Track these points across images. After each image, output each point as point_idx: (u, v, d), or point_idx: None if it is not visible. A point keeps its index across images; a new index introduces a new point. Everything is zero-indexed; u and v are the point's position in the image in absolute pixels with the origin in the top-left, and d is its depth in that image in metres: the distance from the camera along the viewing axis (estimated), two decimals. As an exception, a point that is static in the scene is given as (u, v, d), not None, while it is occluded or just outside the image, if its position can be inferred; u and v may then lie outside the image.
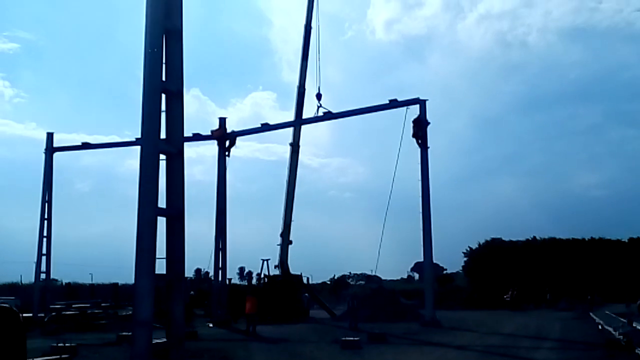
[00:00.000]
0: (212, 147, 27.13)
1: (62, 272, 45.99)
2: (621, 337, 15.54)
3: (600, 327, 20.20)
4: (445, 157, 73.26)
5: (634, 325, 18.84)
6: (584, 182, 77.57)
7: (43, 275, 28.90)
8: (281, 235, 28.51)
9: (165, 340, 8.72)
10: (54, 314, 24.69)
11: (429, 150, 22.67)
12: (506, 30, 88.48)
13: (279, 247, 28.60)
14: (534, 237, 44.56)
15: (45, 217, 29.06)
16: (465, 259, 46.32)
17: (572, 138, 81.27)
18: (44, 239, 28.81)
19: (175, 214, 8.95)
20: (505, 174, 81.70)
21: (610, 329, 18.55)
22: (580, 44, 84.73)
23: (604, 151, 78.52)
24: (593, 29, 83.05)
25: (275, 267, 29.16)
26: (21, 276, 39.35)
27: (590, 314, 27.11)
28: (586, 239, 43.17)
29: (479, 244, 45.55)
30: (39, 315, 24.98)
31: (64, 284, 46.10)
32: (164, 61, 9.03)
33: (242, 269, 54.93)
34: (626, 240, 42.97)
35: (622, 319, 21.53)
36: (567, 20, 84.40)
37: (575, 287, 38.41)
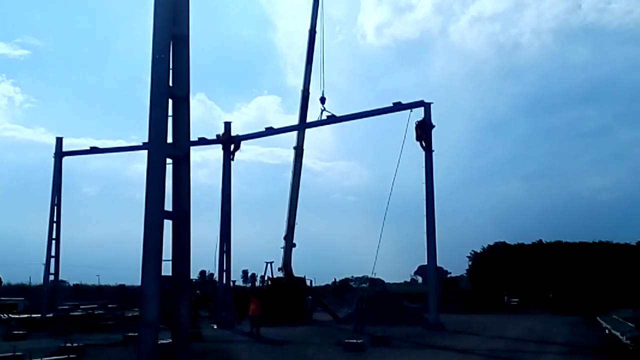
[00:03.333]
0: (217, 151, 27.39)
1: (70, 273, 46.50)
2: (628, 342, 15.40)
3: (607, 331, 20.00)
4: (448, 160, 73.15)
5: None
6: (592, 185, 76.82)
7: (52, 277, 29.29)
8: (285, 238, 28.60)
9: (170, 341, 8.83)
10: (61, 314, 24.95)
11: (433, 153, 22.69)
12: (515, 31, 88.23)
13: (282, 250, 28.72)
14: (540, 240, 44.19)
15: (54, 220, 29.48)
16: (469, 262, 46.05)
17: (581, 140, 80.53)
18: (53, 242, 29.23)
19: (181, 217, 9.07)
20: (511, 177, 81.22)
21: (617, 333, 18.37)
22: (589, 44, 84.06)
23: (613, 153, 77.63)
24: (602, 30, 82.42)
25: (279, 269, 29.27)
26: (30, 277, 39.86)
27: (598, 318, 26.85)
28: (594, 242, 42.70)
29: (484, 248, 45.28)
30: (47, 315, 25.26)
31: (72, 285, 46.58)
32: (170, 67, 9.18)
33: (246, 272, 55.09)
34: (634, 244, 42.47)
35: (629, 324, 21.30)
36: (574, 21, 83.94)
37: (582, 291, 38.02)
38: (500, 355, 15.03)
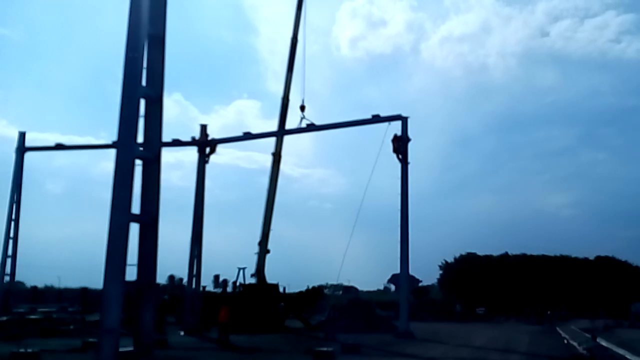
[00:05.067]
0: (192, 152, 26.94)
1: (29, 275, 44.22)
2: (585, 351, 16.07)
3: (565, 341, 20.82)
4: (421, 171, 74.82)
5: (597, 340, 19.52)
6: (554, 201, 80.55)
7: (7, 278, 27.86)
8: (259, 244, 28.33)
9: (133, 348, 8.56)
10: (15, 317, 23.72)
11: (408, 165, 23.18)
12: (483, 52, 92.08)
13: (256, 255, 28.40)
14: (507, 252, 45.72)
15: (13, 217, 28.13)
16: (440, 272, 47.02)
17: (545, 159, 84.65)
18: (10, 241, 27.85)
19: (149, 220, 8.88)
20: (480, 190, 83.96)
21: (575, 343, 19.15)
22: (557, 70, 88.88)
23: (575, 172, 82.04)
24: (569, 56, 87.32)
25: (252, 275, 28.90)
26: (-16, 278, 37.57)
27: (557, 328, 27.90)
28: (556, 256, 44.57)
29: (455, 258, 46.38)
30: (0, 319, 23.92)
31: (29, 287, 44.35)
32: (144, 66, 9.03)
33: (217, 277, 54.02)
34: (593, 259, 44.59)
35: (586, 334, 22.27)
36: (544, 47, 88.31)
37: (544, 302, 39.51)
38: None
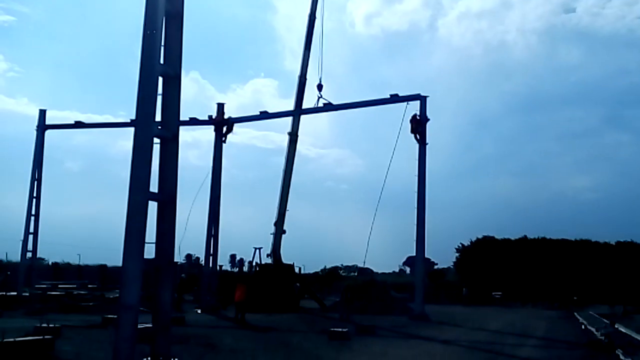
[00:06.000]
0: (209, 131, 26.99)
1: (50, 251, 45.92)
2: (603, 337, 15.88)
3: (583, 327, 20.62)
4: (439, 153, 73.83)
5: (615, 326, 19.26)
6: (577, 185, 78.69)
7: (29, 254, 28.82)
8: (275, 224, 28.55)
9: (151, 325, 8.76)
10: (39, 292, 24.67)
11: (427, 146, 22.78)
12: (504, 29, 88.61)
13: (272, 236, 28.67)
14: (525, 236, 45.05)
15: (34, 195, 28.90)
16: (457, 255, 46.80)
17: (567, 140, 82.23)
18: (32, 218, 28.69)
19: (167, 199, 8.93)
20: (499, 173, 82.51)
21: (593, 329, 18.95)
22: (583, 47, 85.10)
23: (598, 155, 79.63)
24: (595, 34, 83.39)
25: (268, 255, 29.27)
26: (6, 254, 39.20)
27: (575, 314, 27.63)
28: (575, 240, 43.75)
29: (471, 241, 46.00)
30: (23, 294, 24.95)
31: (50, 263, 45.98)
32: (162, 44, 8.90)
33: (233, 256, 55.12)
34: (614, 244, 43.63)
35: (605, 320, 21.99)
36: (570, 24, 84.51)
37: (562, 287, 39.03)
38: (481, 347, 15.35)
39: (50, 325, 12.93)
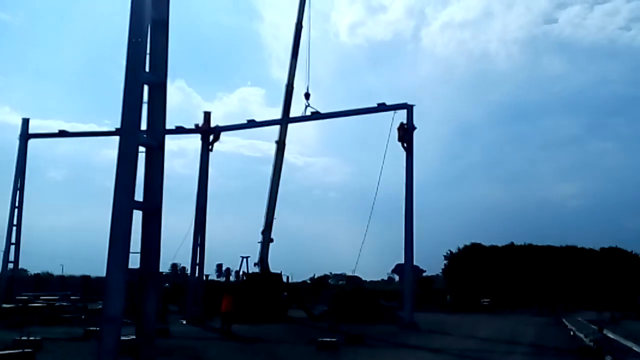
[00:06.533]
0: (195, 140, 26.93)
1: (32, 262, 44.83)
2: (592, 343, 16.09)
3: (572, 333, 20.86)
4: (425, 161, 74.60)
5: (604, 332, 19.54)
6: (562, 192, 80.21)
7: (11, 265, 28.16)
8: (262, 232, 28.41)
9: (134, 337, 8.60)
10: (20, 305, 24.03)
11: (414, 154, 23.05)
12: (486, 38, 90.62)
13: (259, 244, 28.52)
14: (512, 242, 45.66)
15: (16, 205, 28.30)
16: (445, 262, 47.10)
17: (552, 148, 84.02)
18: (14, 228, 28.07)
19: (152, 208, 8.83)
20: (485, 181, 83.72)
21: (581, 335, 19.18)
22: (565, 57, 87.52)
23: (582, 162, 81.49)
24: (577, 44, 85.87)
25: (255, 265, 29.06)
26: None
27: (563, 320, 27.97)
28: (562, 247, 44.47)
29: (459, 249, 46.39)
30: (3, 306, 24.25)
31: (32, 274, 44.87)
32: (147, 52, 8.88)
33: (220, 266, 54.54)
34: (598, 250, 44.48)
35: (593, 326, 22.31)
36: (551, 34, 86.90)
37: (550, 294, 39.55)
38: (471, 355, 15.41)
39: (31, 338, 12.58)
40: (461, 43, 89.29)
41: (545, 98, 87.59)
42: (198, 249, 25.53)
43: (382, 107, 23.79)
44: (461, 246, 46.32)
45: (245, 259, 29.71)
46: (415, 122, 23.33)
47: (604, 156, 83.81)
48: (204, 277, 27.54)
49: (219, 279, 47.01)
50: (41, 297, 29.15)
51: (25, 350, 10.66)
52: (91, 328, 15.55)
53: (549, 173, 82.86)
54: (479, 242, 46.00)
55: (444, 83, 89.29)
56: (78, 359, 11.75)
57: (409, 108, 23.48)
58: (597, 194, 78.56)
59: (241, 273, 29.95)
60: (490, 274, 42.12)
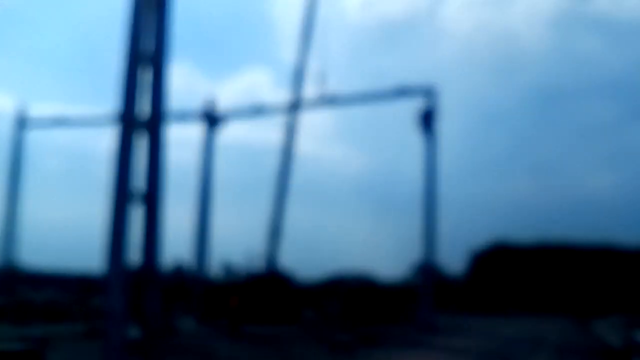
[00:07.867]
0: (199, 127, 26.70)
1: (30, 257, 45.51)
2: (619, 346, 15.74)
3: (600, 335, 20.41)
4: (446, 150, 72.56)
5: (632, 335, 19.11)
6: (597, 182, 77.61)
7: (10, 261, 28.56)
8: (271, 226, 28.25)
9: (140, 335, 8.59)
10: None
11: (436, 142, 22.50)
12: (515, 18, 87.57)
13: (268, 240, 28.38)
14: (542, 243, 44.57)
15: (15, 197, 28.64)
16: (468, 262, 46.42)
17: (588, 136, 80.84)
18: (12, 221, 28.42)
19: (153, 196, 8.76)
20: (513, 171, 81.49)
21: (609, 337, 18.79)
22: (601, 37, 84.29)
23: (621, 150, 78.29)
24: (615, 22, 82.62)
25: (263, 261, 28.97)
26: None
27: (592, 322, 27.41)
28: (596, 249, 43.30)
29: (484, 250, 45.55)
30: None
31: (32, 270, 45.60)
32: (145, 30, 8.75)
33: (226, 264, 54.67)
34: (635, 250, 43.29)
35: (622, 329, 21.80)
36: (587, 12, 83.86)
37: (580, 296, 38.76)
38: (492, 357, 15.13)
39: (35, 335, 12.69)
40: (485, 21, 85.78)
41: (580, 81, 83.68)
42: (202, 244, 25.53)
43: (402, 91, 22.94)
44: (485, 242, 45.57)
45: (252, 256, 29.57)
46: (447, 109, 22.20)
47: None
48: (210, 276, 27.48)
49: (225, 277, 47.19)
50: (41, 293, 29.61)
51: (34, 347, 10.71)
52: (93, 325, 15.67)
53: (583, 162, 79.60)
54: (504, 238, 45.13)
55: (467, 65, 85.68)
56: (88, 357, 11.81)
57: (432, 92, 22.70)
58: (637, 185, 75.15)
59: (249, 271, 29.85)
60: (518, 276, 41.37)
